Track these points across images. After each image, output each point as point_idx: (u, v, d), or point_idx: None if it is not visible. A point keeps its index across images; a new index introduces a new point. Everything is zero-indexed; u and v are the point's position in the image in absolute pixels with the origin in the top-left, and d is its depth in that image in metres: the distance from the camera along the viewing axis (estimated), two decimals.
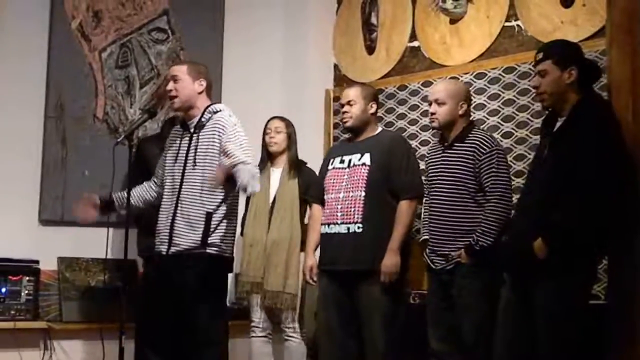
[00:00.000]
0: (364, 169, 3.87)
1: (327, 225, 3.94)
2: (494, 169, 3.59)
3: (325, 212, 3.98)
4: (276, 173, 4.42)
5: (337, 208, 3.90)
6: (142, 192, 3.86)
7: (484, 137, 3.68)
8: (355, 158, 3.94)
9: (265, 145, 4.44)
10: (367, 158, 3.90)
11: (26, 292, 4.21)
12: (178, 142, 3.72)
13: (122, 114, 4.76)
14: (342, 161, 4.00)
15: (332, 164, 4.05)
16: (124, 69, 4.79)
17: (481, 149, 3.63)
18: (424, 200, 3.90)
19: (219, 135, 3.60)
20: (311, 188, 4.24)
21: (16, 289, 4.19)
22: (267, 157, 4.44)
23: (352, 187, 3.87)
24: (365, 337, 3.81)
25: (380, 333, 3.75)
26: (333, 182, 3.98)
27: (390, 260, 3.74)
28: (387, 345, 3.75)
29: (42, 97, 4.56)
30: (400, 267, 3.76)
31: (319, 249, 4.05)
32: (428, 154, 3.94)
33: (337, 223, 3.88)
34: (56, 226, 4.52)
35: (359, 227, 3.81)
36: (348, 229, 3.83)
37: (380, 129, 4.08)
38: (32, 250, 4.34)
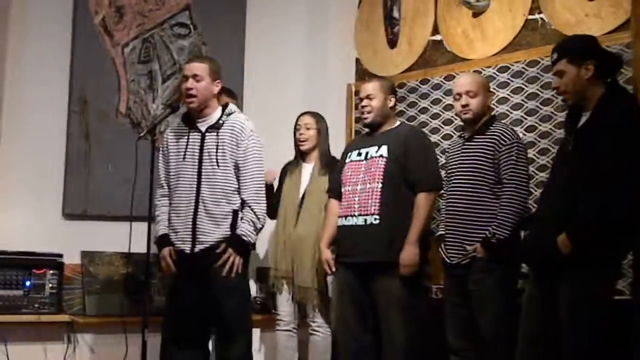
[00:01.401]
0: (381, 161, 3.84)
1: (344, 218, 3.91)
2: (512, 161, 3.57)
3: (343, 205, 3.95)
4: (307, 169, 4.40)
5: (355, 200, 3.87)
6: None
7: (506, 130, 3.67)
8: (372, 150, 3.92)
9: (296, 142, 4.43)
10: (384, 150, 3.87)
11: (50, 285, 4.25)
12: (185, 140, 3.68)
13: (145, 109, 4.77)
14: (359, 154, 3.98)
15: (349, 157, 4.03)
16: (147, 64, 4.81)
17: (502, 141, 3.62)
18: (443, 196, 3.88)
19: (237, 139, 3.60)
20: (330, 183, 4.23)
21: (40, 283, 4.22)
22: (299, 154, 4.43)
23: (369, 179, 3.85)
24: (383, 331, 3.78)
25: (398, 327, 3.72)
26: (350, 175, 3.96)
27: (409, 254, 3.70)
28: (407, 340, 3.71)
29: (66, 92, 4.58)
30: (419, 261, 3.73)
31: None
32: (448, 148, 3.92)
33: (354, 215, 3.86)
34: (80, 220, 4.56)
35: (375, 219, 3.78)
36: (365, 220, 3.80)
37: (398, 122, 4.05)
38: (56, 244, 4.37)
